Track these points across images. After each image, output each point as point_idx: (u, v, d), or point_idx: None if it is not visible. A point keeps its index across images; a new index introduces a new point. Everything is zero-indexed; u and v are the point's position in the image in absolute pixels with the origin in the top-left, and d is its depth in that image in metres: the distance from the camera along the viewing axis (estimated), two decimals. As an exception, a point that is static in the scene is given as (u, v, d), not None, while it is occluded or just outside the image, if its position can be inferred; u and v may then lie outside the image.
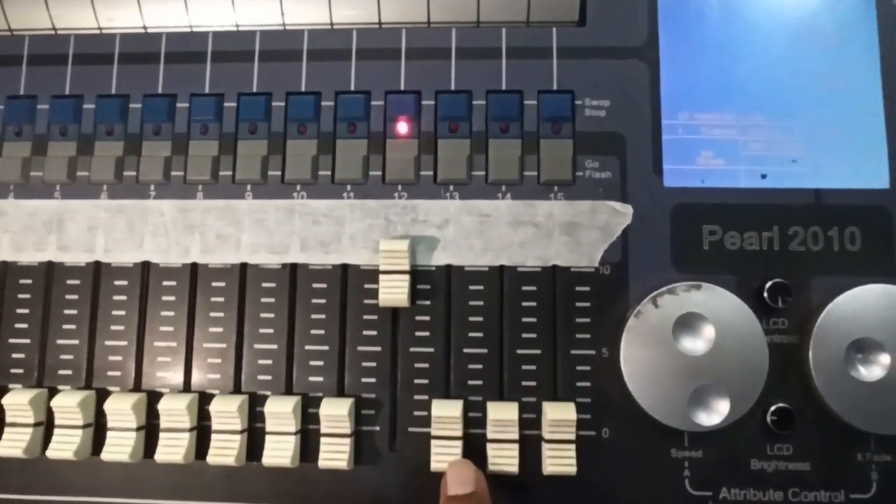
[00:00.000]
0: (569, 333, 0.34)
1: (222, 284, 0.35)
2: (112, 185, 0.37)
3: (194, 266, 0.36)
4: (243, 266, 0.36)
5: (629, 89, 0.36)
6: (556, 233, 0.35)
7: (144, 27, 0.38)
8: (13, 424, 0.34)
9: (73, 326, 0.36)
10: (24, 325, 0.36)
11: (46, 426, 0.35)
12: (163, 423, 0.34)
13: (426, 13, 0.37)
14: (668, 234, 0.35)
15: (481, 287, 0.35)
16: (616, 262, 0.35)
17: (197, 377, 0.35)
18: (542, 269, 0.35)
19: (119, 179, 0.37)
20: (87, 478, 0.35)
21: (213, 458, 0.33)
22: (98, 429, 0.35)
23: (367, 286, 0.35)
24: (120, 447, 0.34)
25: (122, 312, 0.36)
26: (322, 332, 0.35)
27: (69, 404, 0.34)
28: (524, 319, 0.34)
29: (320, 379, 0.35)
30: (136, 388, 0.35)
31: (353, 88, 0.37)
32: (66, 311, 0.36)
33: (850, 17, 0.36)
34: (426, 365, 0.34)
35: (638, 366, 0.33)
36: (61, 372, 0.35)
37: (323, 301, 0.35)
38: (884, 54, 0.36)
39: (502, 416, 0.33)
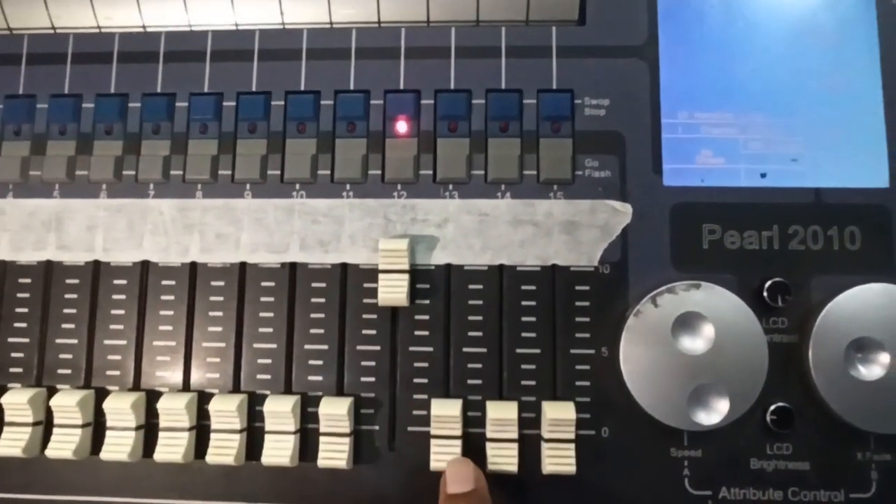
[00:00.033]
0: (568, 333, 0.34)
1: (221, 284, 0.35)
2: (111, 184, 0.37)
3: (193, 265, 0.36)
4: (242, 265, 0.36)
5: (629, 88, 0.36)
6: (556, 232, 0.35)
7: (143, 26, 0.38)
8: (12, 424, 0.34)
9: (72, 326, 0.36)
10: (24, 325, 0.36)
11: (45, 425, 0.35)
12: (162, 423, 0.34)
13: (425, 12, 0.37)
14: (667, 234, 0.35)
15: (481, 286, 0.35)
16: (615, 262, 0.35)
17: (196, 376, 0.35)
18: (542, 269, 0.35)
19: (118, 179, 0.37)
20: (86, 477, 0.35)
21: (212, 457, 0.33)
22: (97, 428, 0.35)
23: (366, 285, 0.35)
24: (119, 446, 0.34)
25: (122, 312, 0.36)
26: (321, 331, 0.35)
27: (68, 403, 0.34)
28: (523, 319, 0.34)
29: (319, 378, 0.35)
30: (136, 387, 0.35)
31: (352, 87, 0.37)
32: (66, 311, 0.36)
33: (850, 16, 0.36)
34: (425, 364, 0.34)
35: (637, 365, 0.33)
36: (60, 371, 0.35)
37: (322, 300, 0.35)
38: (884, 54, 0.36)
39: (502, 415, 0.33)
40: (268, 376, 0.35)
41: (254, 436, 0.34)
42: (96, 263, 0.36)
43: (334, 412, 0.33)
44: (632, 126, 0.36)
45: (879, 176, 0.35)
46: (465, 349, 0.34)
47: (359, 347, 0.35)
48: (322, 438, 0.33)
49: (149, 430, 0.34)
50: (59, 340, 0.36)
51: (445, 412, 0.33)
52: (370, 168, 0.36)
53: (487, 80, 0.36)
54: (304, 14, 0.38)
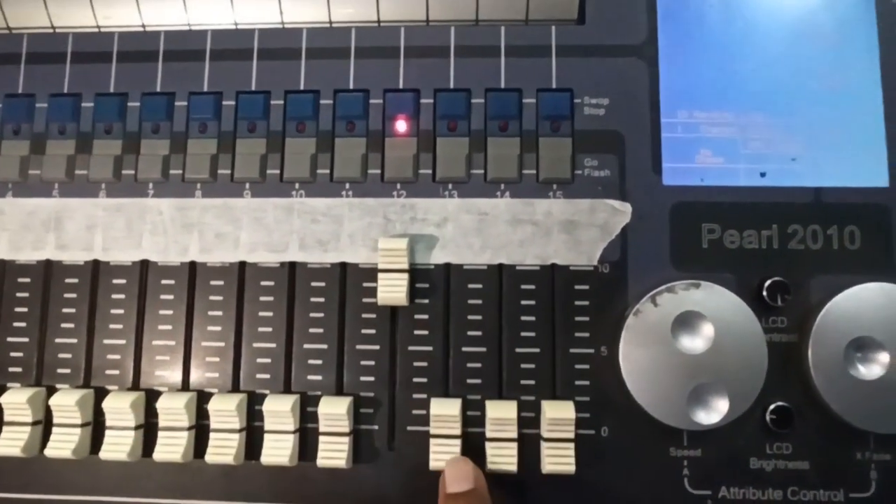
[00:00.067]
0: (568, 332, 0.34)
1: (221, 283, 0.35)
2: (110, 183, 0.37)
3: (193, 265, 0.36)
4: (242, 264, 0.36)
5: (628, 88, 0.36)
6: (555, 231, 0.35)
7: (143, 25, 0.38)
8: (11, 423, 0.34)
9: (71, 325, 0.36)
10: (23, 324, 0.36)
11: (45, 425, 0.35)
12: (161, 422, 0.34)
13: (425, 11, 0.37)
14: (667, 233, 0.35)
15: (480, 285, 0.35)
16: (615, 261, 0.35)
17: (195, 376, 0.35)
18: (541, 268, 0.35)
19: (117, 178, 0.37)
20: (85, 476, 0.35)
21: (211, 456, 0.33)
22: (96, 427, 0.35)
23: (365, 285, 0.35)
24: (118, 446, 0.34)
25: (121, 311, 0.36)
26: (321, 330, 0.35)
27: (67, 403, 0.34)
28: (523, 318, 0.34)
29: (319, 377, 0.35)
30: (135, 386, 0.35)
31: (351, 87, 0.37)
32: (65, 310, 0.36)
33: (849, 16, 0.36)
34: (425, 363, 0.34)
35: (637, 364, 0.33)
36: (60, 370, 0.35)
37: (322, 300, 0.35)
38: (884, 54, 0.36)
39: (501, 414, 0.33)
40: (267, 376, 0.35)
41: (253, 435, 0.34)
42: (95, 263, 0.36)
43: (334, 412, 0.33)
44: (631, 125, 0.36)
45: (879, 175, 0.35)
46: (464, 348, 0.34)
47: (358, 347, 0.35)
48: (321, 438, 0.33)
49: (148, 429, 0.34)
50: (58, 340, 0.36)
51: (445, 411, 0.33)
52: (369, 167, 0.36)
53: (487, 79, 0.36)
54: (304, 13, 0.38)
